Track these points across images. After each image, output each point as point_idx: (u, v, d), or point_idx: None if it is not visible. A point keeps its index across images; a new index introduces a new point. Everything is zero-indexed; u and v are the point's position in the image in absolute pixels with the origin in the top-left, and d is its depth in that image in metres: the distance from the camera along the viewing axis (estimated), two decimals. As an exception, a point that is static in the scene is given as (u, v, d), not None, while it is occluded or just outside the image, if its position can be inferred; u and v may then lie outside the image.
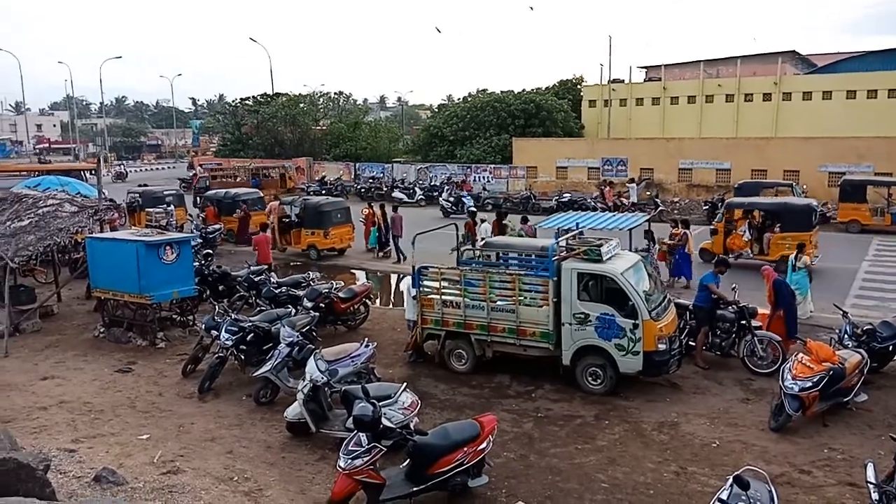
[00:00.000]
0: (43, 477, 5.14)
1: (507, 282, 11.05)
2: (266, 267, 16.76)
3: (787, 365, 9.48)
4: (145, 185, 32.27)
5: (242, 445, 8.77)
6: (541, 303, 10.77)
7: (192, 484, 7.35)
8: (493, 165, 40.23)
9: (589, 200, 30.08)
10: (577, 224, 12.77)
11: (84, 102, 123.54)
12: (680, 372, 10.88)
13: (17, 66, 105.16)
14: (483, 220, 19.92)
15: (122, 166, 59.60)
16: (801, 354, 9.60)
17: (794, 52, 53.10)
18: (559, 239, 11.58)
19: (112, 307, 13.66)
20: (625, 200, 29.67)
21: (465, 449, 7.15)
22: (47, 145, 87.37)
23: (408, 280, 12.20)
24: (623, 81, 54.53)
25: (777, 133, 42.36)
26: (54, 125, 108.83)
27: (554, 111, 44.94)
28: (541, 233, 15.30)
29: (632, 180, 33.69)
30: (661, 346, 10.16)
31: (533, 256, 11.89)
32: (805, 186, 28.49)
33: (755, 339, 11.19)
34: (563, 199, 30.74)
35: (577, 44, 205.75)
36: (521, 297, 10.88)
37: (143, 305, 13.08)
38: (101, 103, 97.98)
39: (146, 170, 69.10)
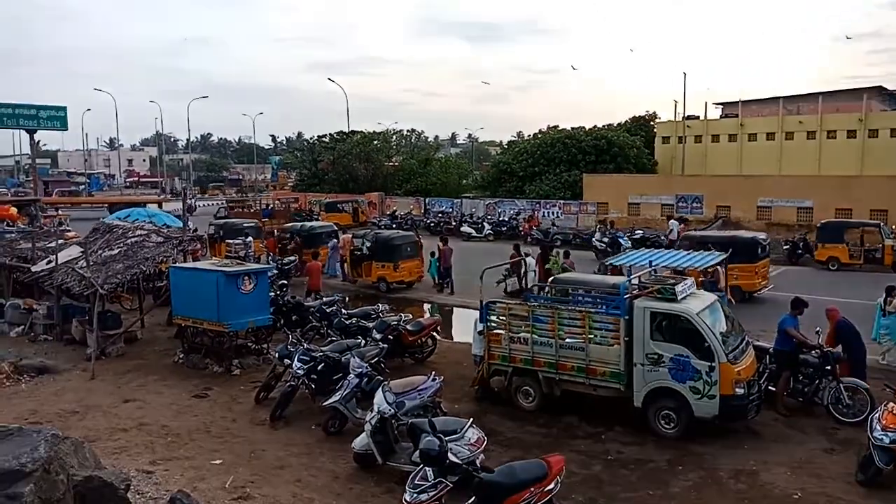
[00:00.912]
0: (124, 496, 5.35)
1: (577, 319, 10.90)
2: (316, 293, 17.72)
3: (877, 414, 8.92)
4: (226, 217, 33.67)
5: (311, 474, 8.89)
6: (612, 341, 10.55)
7: (262, 510, 7.49)
8: (562, 201, 40.03)
9: (662, 237, 29.41)
10: (651, 261, 12.52)
11: (172, 139, 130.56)
12: (759, 418, 10.40)
13: (113, 104, 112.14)
14: (528, 254, 20.39)
15: (193, 199, 58.45)
16: (891, 404, 9.02)
17: (880, 87, 51.12)
18: (631, 276, 11.37)
19: (191, 334, 14.20)
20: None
21: (533, 489, 7.01)
22: (137, 179, 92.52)
23: (473, 315, 12.20)
24: (698, 118, 53.61)
25: (863, 171, 40.57)
26: (144, 160, 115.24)
27: (626, 147, 44.52)
28: (580, 266, 15.17)
29: (671, 217, 32.46)
30: (739, 391, 9.76)
31: (603, 294, 11.70)
32: (895, 227, 27.07)
33: (840, 385, 10.60)
34: (635, 236, 30.19)
35: (651, 80, 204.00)
36: (592, 335, 10.70)
37: (220, 333, 13.54)
38: (188, 139, 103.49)
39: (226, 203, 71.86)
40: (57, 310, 16.08)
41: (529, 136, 57.28)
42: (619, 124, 53.86)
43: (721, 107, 57.30)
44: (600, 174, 41.68)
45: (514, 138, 66.47)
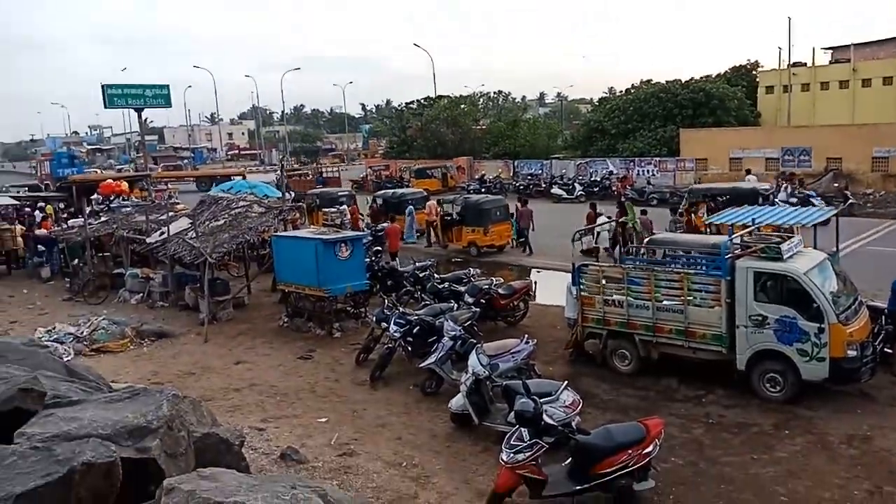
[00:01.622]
0: (239, 451, 5.70)
1: (675, 281, 10.59)
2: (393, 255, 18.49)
3: None
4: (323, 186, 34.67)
5: (410, 432, 9.19)
6: (712, 303, 10.21)
7: (366, 467, 7.83)
8: (658, 158, 38.59)
9: (769, 193, 27.84)
10: (753, 219, 11.94)
11: (268, 111, 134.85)
12: (873, 381, 9.84)
13: (213, 81, 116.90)
14: (601, 213, 20.64)
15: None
16: None
17: None
18: (733, 235, 10.90)
19: (294, 299, 14.85)
20: (809, 193, 27.04)
21: (630, 451, 6.97)
22: (237, 151, 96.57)
23: (567, 278, 12.07)
24: (805, 65, 50.03)
25: None
26: (243, 133, 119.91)
27: (726, 99, 42.23)
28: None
29: (782, 174, 30.20)
30: (851, 353, 9.26)
31: (703, 254, 11.30)
32: None
33: (968, 348, 9.85)
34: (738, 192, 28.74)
35: (752, 27, 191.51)
36: (691, 297, 10.38)
37: (321, 298, 14.08)
38: (283, 112, 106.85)
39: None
40: (171, 278, 17.17)
41: (622, 91, 55.23)
42: (718, 75, 51.04)
43: (831, 51, 53.19)
44: (698, 128, 39.79)
45: (605, 95, 64.35)
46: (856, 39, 49.56)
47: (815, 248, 11.16)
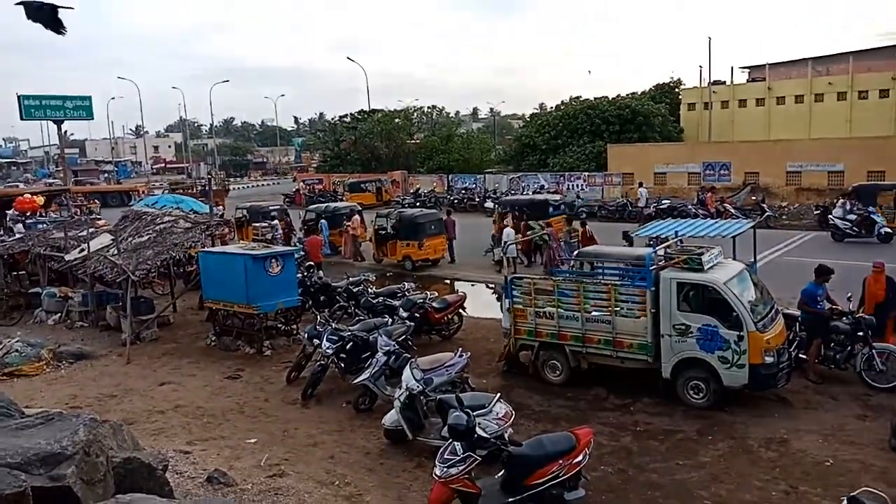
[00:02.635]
0: (162, 476, 5.50)
1: (603, 292, 10.87)
2: (317, 267, 18.61)
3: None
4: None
5: (343, 451, 9.06)
6: (638, 313, 10.52)
7: (297, 487, 7.66)
8: (587, 173, 39.64)
9: (689, 207, 29.07)
10: (676, 232, 12.39)
11: (196, 124, 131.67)
12: (789, 386, 10.34)
13: (137, 92, 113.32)
14: (507, 225, 21.48)
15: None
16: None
17: (915, 43, 49.39)
18: (657, 248, 11.28)
19: (222, 317, 14.46)
20: (729, 206, 28.35)
21: (561, 461, 7.07)
22: (164, 165, 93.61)
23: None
24: (724, 83, 52.52)
25: (897, 131, 39.47)
26: (169, 146, 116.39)
27: (651, 116, 43.80)
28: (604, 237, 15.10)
29: (703, 188, 31.77)
30: (769, 359, 9.69)
31: (629, 266, 11.64)
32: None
33: (874, 351, 10.46)
34: (661, 206, 29.86)
35: (674, 47, 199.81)
36: (618, 308, 10.67)
37: (250, 315, 13.77)
38: (211, 125, 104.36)
39: (251, 186, 72.59)
40: (91, 297, 16.47)
41: (552, 108, 56.55)
42: (643, 93, 52.94)
43: (748, 70, 56.07)
44: (625, 144, 41.11)
45: (536, 111, 65.75)
46: (770, 60, 52.40)
47: (733, 258, 11.66)
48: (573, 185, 38.59)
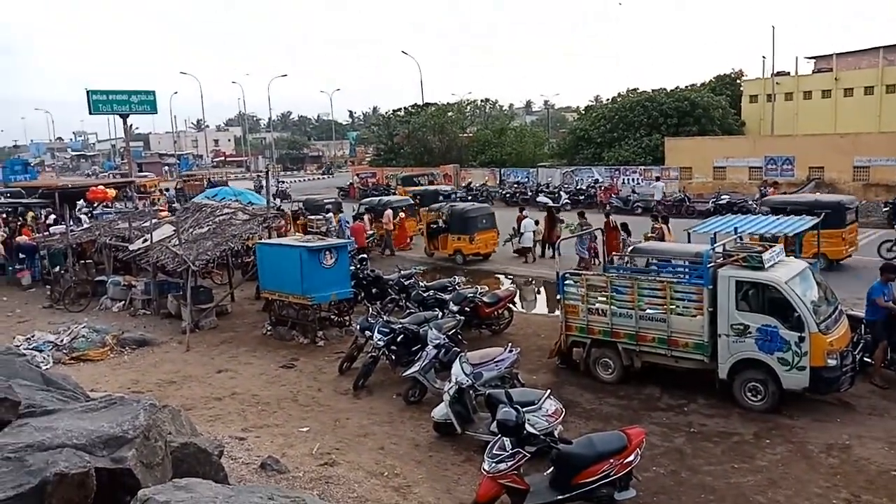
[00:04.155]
0: (218, 462, 5.64)
1: (658, 289, 10.65)
2: (364, 254, 19.09)
3: None
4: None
5: (392, 442, 9.15)
6: (694, 312, 10.27)
7: (347, 476, 7.77)
8: (642, 167, 38.87)
9: (750, 203, 28.22)
10: (736, 228, 12.04)
11: (254, 118, 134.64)
12: (853, 391, 9.93)
13: (199, 87, 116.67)
14: (526, 216, 22.25)
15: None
16: None
17: None
18: (715, 245, 10.98)
19: (278, 307, 14.76)
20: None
21: (612, 461, 6.98)
22: (223, 158, 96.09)
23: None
24: (788, 74, 50.68)
25: (976, 124, 37.41)
26: (229, 140, 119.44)
27: (710, 108, 42.67)
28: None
29: (765, 182, 30.78)
30: (832, 362, 9.33)
31: (686, 263, 11.36)
32: None
33: (946, 356, 9.95)
34: (720, 202, 29.05)
35: (736, 37, 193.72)
36: (673, 306, 10.44)
37: (305, 306, 14.01)
38: (269, 119, 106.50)
39: (307, 180, 73.83)
40: (153, 286, 17.03)
41: (607, 100, 55.74)
42: (702, 84, 51.61)
43: (814, 61, 53.93)
44: (683, 137, 40.17)
45: (591, 103, 64.82)
46: (838, 49, 50.34)
47: (796, 257, 11.27)
48: (629, 180, 37.88)
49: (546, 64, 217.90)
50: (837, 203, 18.58)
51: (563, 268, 12.18)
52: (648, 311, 10.67)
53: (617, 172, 38.91)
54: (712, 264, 10.19)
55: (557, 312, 12.18)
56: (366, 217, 24.78)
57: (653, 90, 47.52)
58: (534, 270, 20.81)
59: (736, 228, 11.98)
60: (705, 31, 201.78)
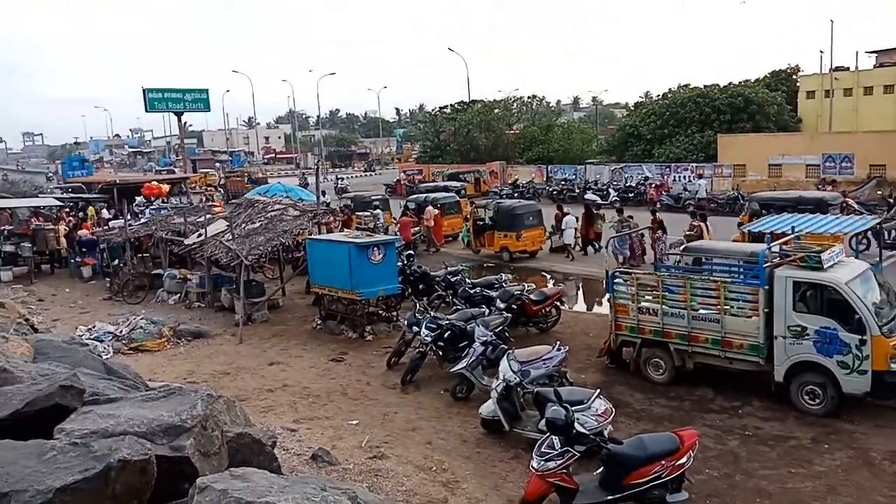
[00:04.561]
0: (271, 452, 5.72)
1: (711, 289, 10.41)
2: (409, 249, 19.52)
3: None
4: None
5: (440, 437, 9.18)
6: (749, 313, 10.01)
7: (396, 470, 7.83)
8: (694, 164, 38.02)
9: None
10: (793, 227, 11.69)
11: (304, 116, 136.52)
12: (919, 397, 9.53)
13: (250, 85, 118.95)
14: (568, 213, 22.14)
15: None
16: None
17: None
18: (772, 244, 10.68)
19: (327, 302, 14.97)
20: (852, 201, 26.37)
21: (664, 462, 6.87)
22: (274, 155, 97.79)
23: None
24: (847, 69, 48.86)
25: None
26: (279, 137, 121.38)
27: (765, 104, 41.48)
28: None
29: (823, 181, 29.71)
30: (895, 366, 8.98)
31: (740, 262, 11.09)
32: None
33: None
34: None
35: (792, 31, 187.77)
36: (727, 307, 10.19)
37: (353, 301, 14.17)
38: (318, 116, 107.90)
39: (353, 177, 74.54)
40: (208, 279, 17.45)
41: (658, 96, 54.64)
42: (757, 80, 50.15)
43: (875, 55, 51.86)
44: (737, 134, 39.14)
45: (641, 99, 63.66)
46: (902, 43, 48.30)
47: (856, 257, 10.88)
48: (680, 177, 37.08)
49: (594, 60, 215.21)
50: (820, 199, 19.30)
51: (609, 266, 11.99)
52: (701, 311, 10.45)
53: (668, 169, 38.16)
54: (768, 264, 9.92)
55: (602, 310, 12.07)
56: (428, 209, 25.01)
57: (705, 86, 46.39)
58: (580, 268, 20.59)
59: (793, 227, 11.65)
60: (760, 26, 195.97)
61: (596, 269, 19.05)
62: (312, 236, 16.50)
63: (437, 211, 25.13)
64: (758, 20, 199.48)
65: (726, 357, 10.27)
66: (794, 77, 50.60)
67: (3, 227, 23.24)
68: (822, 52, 54.85)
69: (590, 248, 21.85)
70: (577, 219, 21.97)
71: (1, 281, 20.95)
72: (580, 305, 17.67)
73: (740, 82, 47.96)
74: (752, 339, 9.92)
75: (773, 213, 19.34)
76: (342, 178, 55.57)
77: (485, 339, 10.62)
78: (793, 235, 11.27)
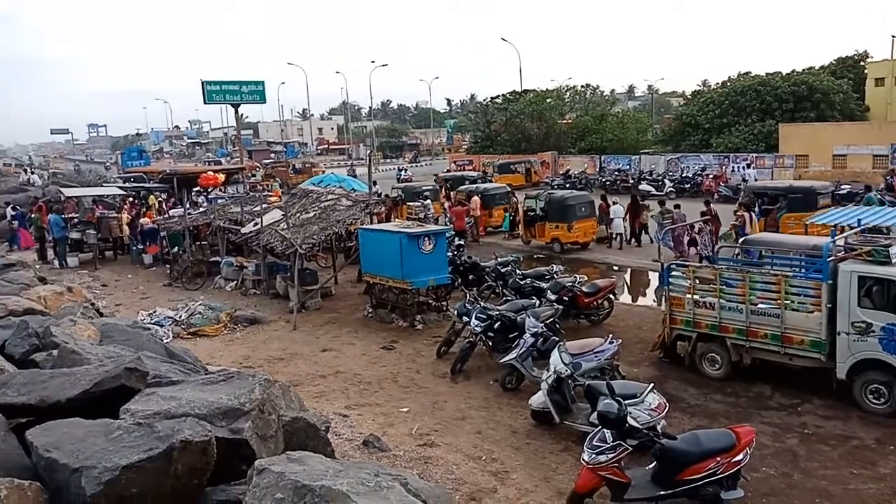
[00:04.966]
0: (325, 437, 5.83)
1: (772, 283, 10.10)
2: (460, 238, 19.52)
3: None
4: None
5: (490, 427, 9.19)
6: (811, 308, 9.69)
7: (445, 458, 7.89)
8: (754, 154, 36.86)
9: (874, 193, 26.19)
10: (859, 220, 11.24)
11: (356, 107, 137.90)
12: None
13: (304, 78, 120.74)
14: (615, 202, 22.31)
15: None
16: None
17: None
18: (836, 237, 10.29)
19: (379, 291, 15.12)
20: None
21: (719, 458, 6.72)
22: (327, 146, 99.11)
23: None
24: (922, 53, 46.55)
25: None
26: (332, 128, 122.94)
27: (830, 92, 39.91)
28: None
29: (892, 171, 28.40)
30: (968, 366, 8.57)
31: (802, 256, 10.73)
32: None
33: None
34: (841, 192, 27.12)
35: (860, 16, 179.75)
36: (788, 301, 9.88)
37: (404, 290, 14.28)
38: (370, 107, 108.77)
39: (404, 168, 74.87)
40: (263, 267, 17.83)
41: (716, 84, 53.22)
42: (822, 67, 48.27)
43: (952, 39, 49.25)
44: (799, 123, 37.78)
45: (699, 88, 62.10)
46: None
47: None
48: (738, 168, 36.02)
49: (650, 48, 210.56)
50: (809, 188, 20.06)
51: (654, 258, 11.75)
52: (760, 305, 10.16)
53: (726, 160, 37.12)
54: (832, 258, 9.57)
55: (652, 302, 11.85)
56: (474, 199, 25.26)
57: (766, 74, 44.91)
58: (632, 260, 20.26)
59: (859, 220, 11.22)
60: (825, 11, 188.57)
61: (647, 260, 18.76)
62: (364, 226, 16.68)
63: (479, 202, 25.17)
64: (823, 4, 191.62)
65: (786, 353, 9.97)
66: (862, 63, 48.50)
67: (70, 215, 24.17)
68: (894, 36, 52.35)
69: (635, 240, 21.83)
70: (623, 208, 21.91)
71: (68, 266, 21.84)
72: (629, 297, 17.39)
73: (804, 70, 46.26)
74: (813, 335, 9.60)
75: (765, 201, 19.18)
76: (404, 169, 55.68)
77: (535, 330, 10.56)
78: (858, 228, 10.87)
